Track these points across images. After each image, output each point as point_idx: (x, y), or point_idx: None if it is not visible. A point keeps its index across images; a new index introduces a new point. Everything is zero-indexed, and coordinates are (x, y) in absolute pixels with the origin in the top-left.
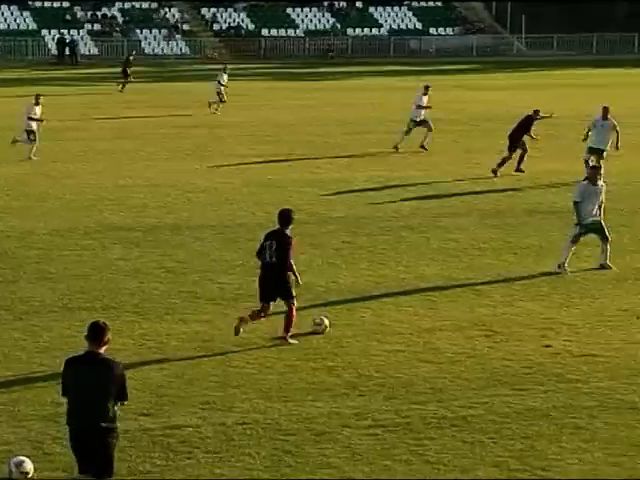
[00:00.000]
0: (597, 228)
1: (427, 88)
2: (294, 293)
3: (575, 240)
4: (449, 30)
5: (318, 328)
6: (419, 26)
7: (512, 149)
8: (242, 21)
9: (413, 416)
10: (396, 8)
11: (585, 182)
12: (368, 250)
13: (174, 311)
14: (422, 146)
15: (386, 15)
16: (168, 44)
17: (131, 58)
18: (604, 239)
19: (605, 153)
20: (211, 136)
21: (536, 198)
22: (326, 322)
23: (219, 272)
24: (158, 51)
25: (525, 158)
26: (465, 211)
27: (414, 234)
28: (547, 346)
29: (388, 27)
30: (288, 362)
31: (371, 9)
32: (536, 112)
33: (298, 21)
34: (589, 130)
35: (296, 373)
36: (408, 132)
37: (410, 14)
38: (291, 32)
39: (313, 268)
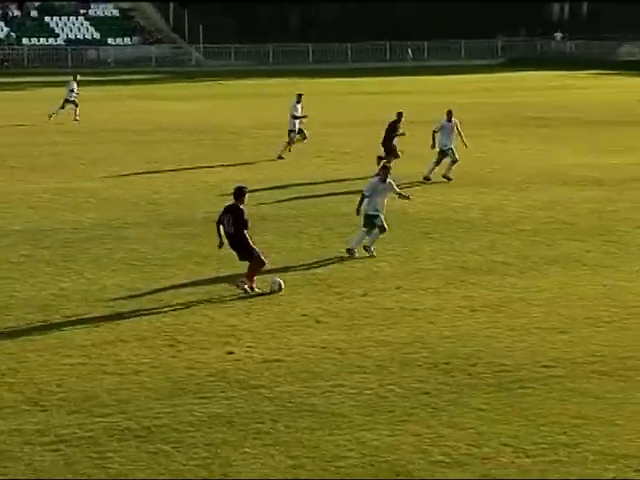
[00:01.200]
0: (375, 219)
1: (300, 97)
2: (255, 252)
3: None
4: (127, 40)
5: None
6: (97, 36)
7: (391, 154)
8: None
9: (97, 429)
10: (72, 18)
11: (375, 179)
12: (48, 263)
13: None
14: (279, 156)
15: (62, 24)
16: None
17: None
18: (382, 230)
19: (451, 151)
20: None
21: (215, 207)
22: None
23: None
24: None
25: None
26: (147, 221)
27: (96, 246)
28: (230, 353)
29: (65, 37)
30: None
31: (47, 18)
32: (399, 115)
33: None
34: (435, 134)
35: None
36: (291, 142)
37: (87, 24)
38: None
39: None
